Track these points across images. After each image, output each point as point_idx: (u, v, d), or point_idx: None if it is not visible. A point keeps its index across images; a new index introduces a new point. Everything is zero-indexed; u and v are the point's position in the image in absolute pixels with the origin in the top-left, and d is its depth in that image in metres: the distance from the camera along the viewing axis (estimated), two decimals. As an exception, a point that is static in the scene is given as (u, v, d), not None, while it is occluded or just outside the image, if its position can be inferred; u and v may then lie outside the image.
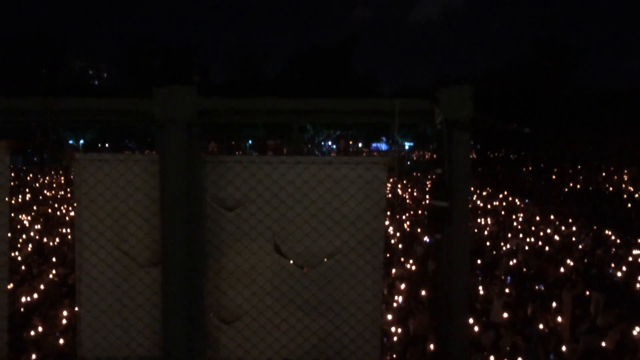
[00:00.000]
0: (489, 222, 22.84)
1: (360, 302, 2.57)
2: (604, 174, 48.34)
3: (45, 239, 18.03)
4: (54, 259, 14.89)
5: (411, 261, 16.01)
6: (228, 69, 72.03)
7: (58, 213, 23.63)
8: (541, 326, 11.01)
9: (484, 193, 34.14)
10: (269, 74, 74.32)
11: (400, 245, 18.18)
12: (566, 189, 36.84)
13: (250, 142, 67.12)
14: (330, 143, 69.65)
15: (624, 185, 38.93)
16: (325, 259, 2.46)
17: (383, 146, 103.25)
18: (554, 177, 47.56)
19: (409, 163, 70.38)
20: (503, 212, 26.24)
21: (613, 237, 19.82)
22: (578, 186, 37.88)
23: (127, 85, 67.67)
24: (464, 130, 2.08)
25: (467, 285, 2.21)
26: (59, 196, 30.29)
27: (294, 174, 2.44)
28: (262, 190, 2.46)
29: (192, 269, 2.41)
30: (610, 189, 35.76)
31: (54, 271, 14.17)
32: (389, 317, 10.67)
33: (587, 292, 12.88)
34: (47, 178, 41.09)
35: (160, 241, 2.43)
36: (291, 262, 2.47)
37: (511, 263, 16.10)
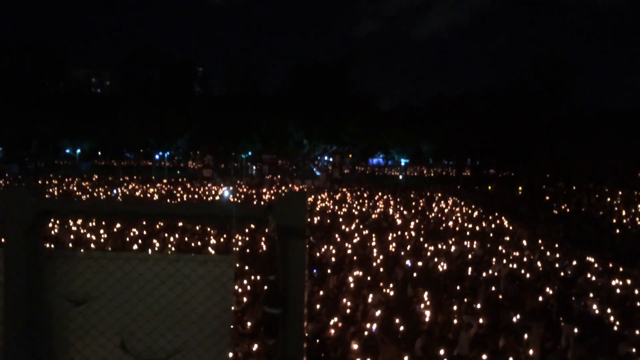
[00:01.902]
0: (475, 246, 22.87)
1: None
2: (597, 195, 48.43)
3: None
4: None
5: (391, 285, 16.06)
6: (229, 82, 72.39)
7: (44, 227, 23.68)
8: (511, 359, 11.07)
9: (475, 214, 34.22)
10: (268, 87, 74.85)
11: (381, 269, 18.20)
12: (556, 212, 36.97)
13: (248, 154, 67.22)
14: (326, 158, 69.82)
15: (616, 209, 39.01)
16: (172, 355, 2.53)
17: (381, 161, 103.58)
18: (547, 197, 47.64)
19: (401, 177, 70.60)
20: (491, 235, 26.30)
21: (596, 265, 19.88)
22: (567, 210, 37.95)
23: (128, 95, 68.04)
24: (298, 238, 2.17)
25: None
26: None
27: (144, 268, 2.51)
28: (113, 282, 2.51)
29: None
30: (601, 213, 35.84)
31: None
32: (355, 347, 10.72)
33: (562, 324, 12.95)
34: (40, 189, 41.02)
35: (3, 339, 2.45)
36: (136, 358, 2.53)
37: (493, 288, 16.15)
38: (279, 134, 64.47)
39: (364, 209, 34.67)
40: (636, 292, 16.07)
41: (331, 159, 67.68)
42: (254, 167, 67.35)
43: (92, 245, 20.04)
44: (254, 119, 63.55)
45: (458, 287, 16.45)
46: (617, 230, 28.19)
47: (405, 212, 33.22)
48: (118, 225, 24.64)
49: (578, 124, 63.76)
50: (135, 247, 20.27)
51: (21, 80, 67.33)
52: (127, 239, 21.75)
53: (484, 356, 10.37)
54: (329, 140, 65.99)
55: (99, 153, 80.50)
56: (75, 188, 43.54)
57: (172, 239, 21.96)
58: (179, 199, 38.02)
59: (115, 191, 42.11)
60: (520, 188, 58.50)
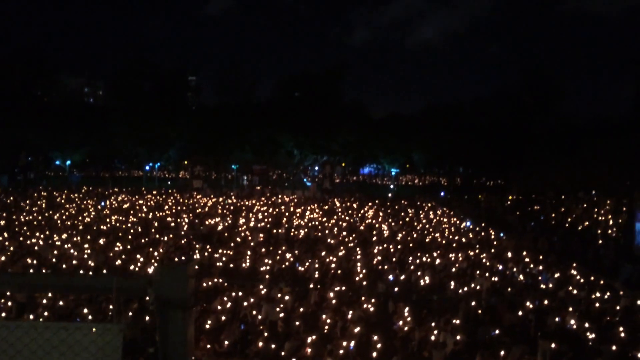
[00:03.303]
0: (459, 258, 22.90)
1: None
2: (584, 205, 48.67)
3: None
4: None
5: (372, 300, 16.04)
6: (220, 91, 72.45)
7: (28, 242, 23.55)
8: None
9: (462, 225, 34.31)
10: (260, 97, 74.91)
11: (364, 283, 18.22)
12: (543, 222, 37.11)
13: (236, 166, 67.15)
14: (317, 168, 69.83)
15: (602, 218, 39.20)
16: None
17: (372, 170, 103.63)
18: (536, 207, 47.83)
19: (392, 187, 70.62)
20: (477, 247, 26.33)
21: (578, 277, 19.95)
22: (554, 221, 38.09)
23: (119, 105, 67.95)
24: (178, 310, 2.19)
25: None
26: (35, 222, 30.14)
27: (28, 339, 2.51)
28: None
29: None
30: (586, 223, 35.98)
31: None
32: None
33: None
34: (27, 202, 40.81)
35: None
36: None
37: (473, 303, 16.17)
38: (270, 144, 64.48)
39: (352, 220, 34.69)
40: (617, 307, 16.16)
41: (322, 169, 67.73)
42: (245, 177, 67.27)
43: (74, 262, 19.93)
44: (245, 129, 63.60)
45: (439, 301, 16.51)
46: (601, 241, 28.33)
47: (392, 224, 33.26)
48: (102, 241, 24.55)
49: (568, 134, 64.19)
50: (118, 262, 20.19)
51: (11, 90, 67.06)
52: (111, 254, 21.65)
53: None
54: (319, 150, 66.06)
55: (88, 163, 79.78)
56: (63, 201, 43.34)
57: (155, 253, 21.90)
58: (167, 211, 37.91)
59: (102, 203, 41.96)
60: (510, 197, 58.76)
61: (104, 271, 18.73)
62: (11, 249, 22.06)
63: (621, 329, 13.82)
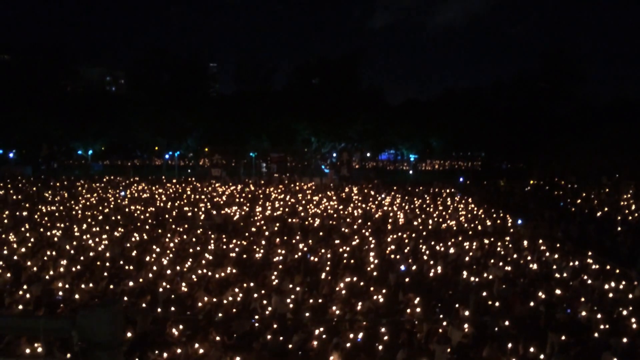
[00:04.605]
0: (474, 247, 22.76)
1: None
2: (607, 189, 47.86)
3: (29, 263, 18.40)
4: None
5: (384, 291, 16.06)
6: (238, 79, 72.60)
7: (48, 233, 24.06)
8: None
9: (480, 212, 34.03)
10: (277, 84, 74.97)
11: (374, 273, 18.24)
12: (562, 209, 36.63)
13: (254, 154, 67.43)
14: (334, 155, 69.75)
15: (623, 203, 38.52)
16: None
17: (390, 156, 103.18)
18: (556, 192, 47.19)
19: (411, 173, 70.26)
20: (492, 234, 26.14)
21: (594, 267, 19.71)
22: (574, 208, 37.50)
23: (137, 95, 68.62)
24: (103, 351, 2.23)
25: None
26: (56, 214, 30.74)
27: None
28: None
29: None
30: (606, 209, 35.36)
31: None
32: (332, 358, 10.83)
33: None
34: (49, 192, 41.62)
35: None
36: None
37: (484, 294, 16.09)
38: (287, 131, 64.58)
39: (367, 208, 34.67)
40: (630, 296, 15.97)
41: (340, 156, 67.60)
42: (264, 165, 67.56)
43: (92, 253, 20.32)
44: (263, 116, 63.79)
45: (450, 292, 16.48)
46: (620, 228, 27.86)
47: (408, 211, 33.15)
48: (119, 231, 24.98)
49: (590, 117, 63.01)
50: (134, 253, 20.53)
51: (33, 81, 68.06)
52: (128, 245, 22.02)
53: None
54: (336, 137, 65.97)
55: (110, 152, 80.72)
56: (84, 191, 44.09)
57: (172, 245, 22.20)
58: (185, 201, 38.33)
59: (123, 193, 42.59)
60: (532, 182, 58.05)
61: (121, 262, 19.10)
62: (32, 240, 22.59)
63: (633, 320, 13.66)
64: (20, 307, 13.62)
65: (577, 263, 20.08)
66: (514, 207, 37.89)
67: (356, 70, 66.80)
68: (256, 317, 13.58)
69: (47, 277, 16.86)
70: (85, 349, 2.21)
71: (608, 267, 19.61)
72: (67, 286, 15.76)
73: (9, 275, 16.77)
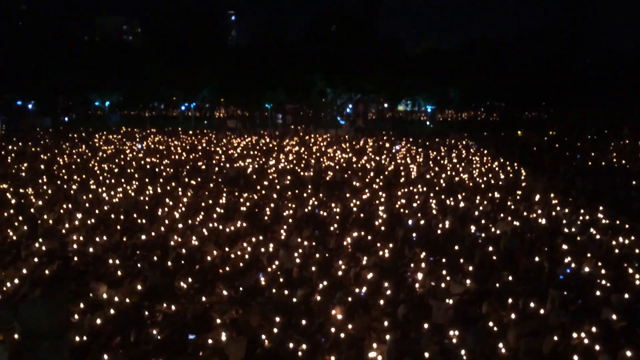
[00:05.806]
0: (485, 202, 22.72)
1: None
2: (627, 141, 46.99)
3: (45, 217, 18.89)
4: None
5: (390, 246, 16.24)
6: (253, 31, 71.89)
7: (65, 187, 24.58)
8: (491, 323, 11.29)
9: (495, 164, 33.79)
10: (292, 36, 74.04)
11: (382, 228, 18.38)
12: (579, 161, 36.18)
13: (270, 105, 67.20)
14: (350, 106, 69.20)
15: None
16: None
17: (407, 107, 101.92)
18: (573, 145, 46.49)
19: (428, 123, 69.54)
20: (505, 188, 26.02)
21: (604, 221, 19.59)
22: (590, 162, 36.86)
23: (152, 46, 68.31)
24: (47, 340, 2.33)
25: None
26: (73, 167, 31.28)
27: None
28: None
29: None
30: (623, 161, 34.82)
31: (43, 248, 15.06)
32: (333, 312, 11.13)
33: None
34: (67, 144, 42.22)
35: None
36: None
37: (490, 249, 16.16)
38: (303, 83, 64.01)
39: (381, 161, 34.64)
40: (637, 251, 15.93)
41: (355, 107, 67.11)
42: (280, 116, 67.44)
43: (106, 207, 20.77)
44: (278, 68, 63.18)
45: (456, 247, 16.58)
46: (634, 182, 27.46)
47: (422, 164, 33.05)
48: (134, 184, 25.41)
49: (616, 66, 61.29)
50: (147, 207, 20.94)
51: (47, 31, 67.83)
52: (141, 198, 22.42)
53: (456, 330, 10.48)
54: (352, 88, 65.24)
55: (127, 103, 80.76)
56: (101, 142, 44.64)
57: (185, 199, 22.53)
58: (200, 153, 38.66)
59: (139, 146, 43.04)
60: (551, 132, 57.17)
61: (134, 215, 19.52)
62: (49, 192, 23.12)
63: (638, 276, 13.69)
64: (36, 259, 14.11)
65: (587, 217, 19.99)
66: (531, 159, 37.46)
67: (373, 18, 65.41)
68: (262, 271, 13.90)
69: (63, 230, 17.38)
70: (26, 337, 2.32)
71: (618, 222, 19.47)
72: (81, 239, 16.22)
73: (25, 227, 17.28)
